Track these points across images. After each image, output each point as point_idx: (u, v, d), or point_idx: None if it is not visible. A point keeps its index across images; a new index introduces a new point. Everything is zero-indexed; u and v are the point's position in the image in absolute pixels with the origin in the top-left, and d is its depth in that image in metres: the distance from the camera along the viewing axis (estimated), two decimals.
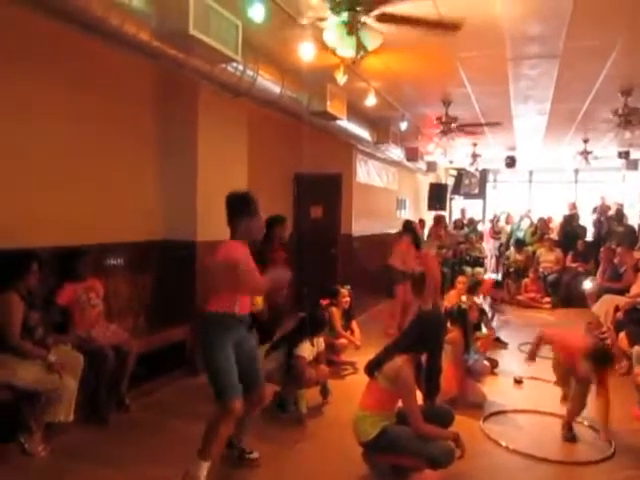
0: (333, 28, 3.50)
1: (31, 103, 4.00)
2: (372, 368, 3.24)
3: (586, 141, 10.27)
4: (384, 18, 3.64)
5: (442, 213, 11.48)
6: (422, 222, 12.48)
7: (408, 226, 7.31)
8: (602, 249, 8.24)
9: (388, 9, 3.54)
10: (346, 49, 3.62)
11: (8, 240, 3.66)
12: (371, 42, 3.54)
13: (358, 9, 3.38)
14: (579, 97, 6.91)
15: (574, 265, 9.62)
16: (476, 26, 4.34)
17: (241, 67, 4.52)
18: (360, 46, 3.56)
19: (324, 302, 5.69)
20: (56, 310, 4.00)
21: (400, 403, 3.17)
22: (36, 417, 3.46)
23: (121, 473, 3.31)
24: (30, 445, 3.44)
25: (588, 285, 8.21)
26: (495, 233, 13.31)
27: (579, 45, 4.84)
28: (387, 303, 7.45)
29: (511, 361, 5.91)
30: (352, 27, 3.42)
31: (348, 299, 5.75)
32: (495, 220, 13.64)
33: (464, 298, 5.34)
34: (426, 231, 11.42)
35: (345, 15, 3.41)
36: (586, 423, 4.16)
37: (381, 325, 7.01)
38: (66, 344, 3.82)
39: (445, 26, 3.86)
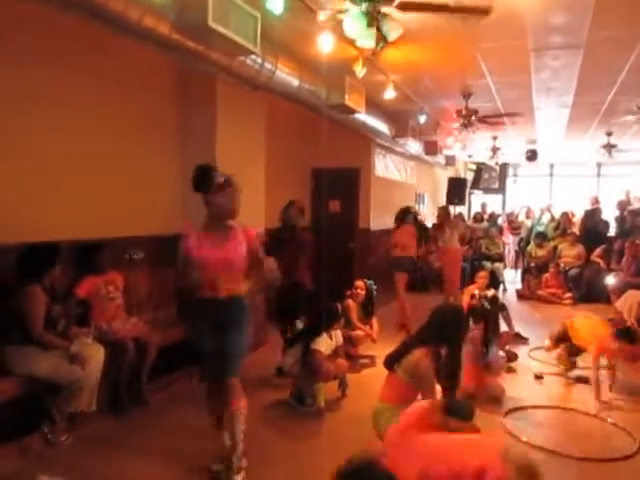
0: (353, 19, 3.46)
1: (50, 97, 4.04)
2: (391, 361, 3.22)
3: (609, 134, 10.08)
4: (406, 6, 3.57)
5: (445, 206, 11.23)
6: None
7: (410, 215, 7.11)
8: (627, 244, 8.07)
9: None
10: (366, 40, 3.58)
11: (30, 233, 3.71)
12: (391, 33, 3.50)
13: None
14: (603, 89, 6.78)
15: (597, 260, 9.39)
16: (498, 16, 4.26)
17: (260, 60, 4.51)
18: (380, 37, 3.52)
19: (348, 293, 5.69)
20: (75, 302, 4.04)
21: (419, 396, 3.14)
22: (59, 407, 3.52)
23: (142, 462, 3.35)
24: (53, 435, 3.50)
25: (611, 280, 8.07)
26: (513, 229, 13.15)
27: (603, 35, 4.74)
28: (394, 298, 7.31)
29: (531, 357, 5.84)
30: (372, 17, 3.38)
31: (360, 292, 5.71)
32: (514, 216, 13.47)
33: (489, 293, 5.25)
34: None
35: (365, 5, 3.38)
36: (610, 420, 4.10)
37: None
38: (87, 336, 3.86)
39: (470, 11, 3.76)
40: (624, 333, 4.43)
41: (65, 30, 3.93)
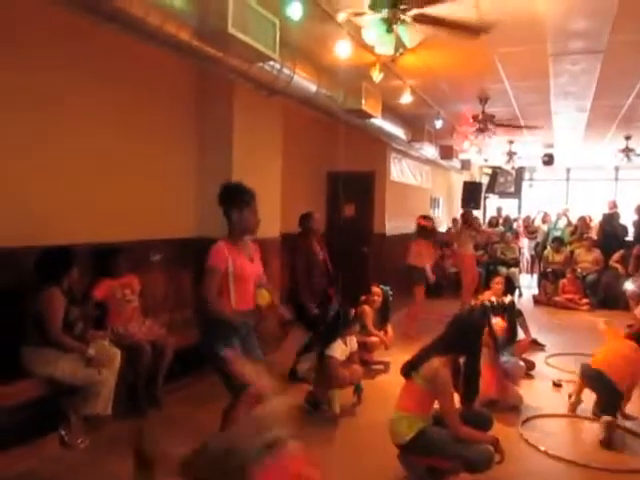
0: (372, 25, 3.46)
1: (70, 102, 4.08)
2: (409, 369, 3.19)
3: (628, 138, 9.96)
4: (421, 19, 3.61)
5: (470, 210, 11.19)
6: (455, 221, 12.32)
7: (419, 230, 7.16)
8: None
9: (428, 10, 3.50)
10: (385, 47, 3.58)
11: (48, 237, 3.75)
12: (411, 39, 3.50)
13: (400, 7, 3.32)
14: (622, 93, 6.70)
15: (616, 265, 9.26)
16: (517, 22, 4.25)
17: (278, 65, 4.52)
18: (399, 43, 3.51)
19: (363, 298, 5.69)
20: (92, 304, 4.08)
21: (437, 404, 3.12)
22: (75, 410, 3.55)
23: None
24: (69, 437, 3.52)
25: (629, 286, 7.95)
26: (529, 233, 13.04)
27: (624, 39, 4.67)
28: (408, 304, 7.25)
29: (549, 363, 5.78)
30: (391, 24, 3.38)
31: (377, 298, 5.69)
32: (531, 220, 13.36)
33: (507, 300, 5.20)
34: None
35: (385, 12, 3.37)
36: (631, 429, 4.04)
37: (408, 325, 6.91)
38: (104, 339, 3.89)
39: (466, 28, 3.88)
40: None
41: (85, 35, 3.97)
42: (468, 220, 8.52)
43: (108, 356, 3.71)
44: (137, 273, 4.49)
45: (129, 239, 4.54)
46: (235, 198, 3.17)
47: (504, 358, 4.71)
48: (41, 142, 3.88)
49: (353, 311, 4.74)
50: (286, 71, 4.68)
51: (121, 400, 3.85)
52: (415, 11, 3.39)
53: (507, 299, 5.21)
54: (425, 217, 7.39)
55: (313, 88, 5.20)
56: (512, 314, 5.10)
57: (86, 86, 4.19)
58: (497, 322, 4.81)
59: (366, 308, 5.58)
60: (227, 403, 3.22)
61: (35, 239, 3.69)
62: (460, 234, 8.52)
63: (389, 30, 3.38)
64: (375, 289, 5.74)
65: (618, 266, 9.16)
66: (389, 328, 5.75)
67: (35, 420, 3.47)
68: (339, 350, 4.31)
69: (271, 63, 4.38)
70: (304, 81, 5.02)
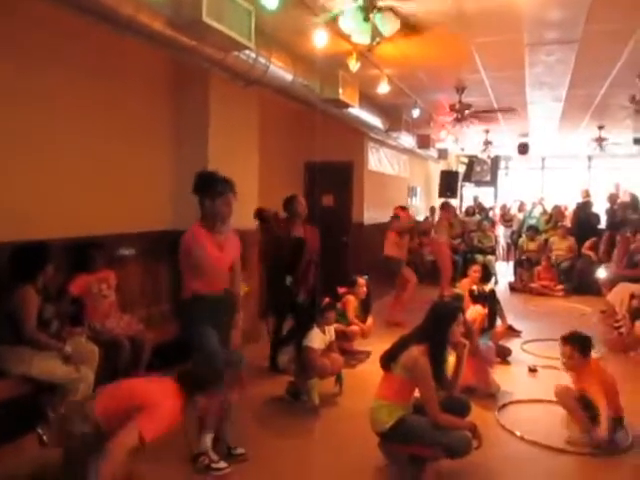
0: (349, 14, 3.43)
1: (42, 95, 3.98)
2: (388, 360, 3.21)
3: (601, 127, 10.12)
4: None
5: (449, 200, 11.31)
6: (433, 209, 12.41)
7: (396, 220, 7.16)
8: (618, 237, 8.10)
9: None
10: (362, 36, 3.55)
11: (22, 232, 3.67)
12: (388, 28, 3.48)
13: None
14: (596, 83, 6.80)
15: (588, 253, 9.44)
16: (494, 12, 4.27)
17: (253, 55, 4.47)
18: (376, 32, 3.49)
19: (342, 290, 5.70)
20: (68, 300, 4.01)
21: (417, 393, 3.15)
22: (53, 408, 3.48)
23: (135, 462, 3.32)
24: (48, 436, 3.46)
25: (602, 273, 8.10)
26: (506, 221, 13.20)
27: (599, 29, 4.73)
28: (391, 293, 7.34)
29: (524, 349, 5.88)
30: (368, 13, 3.36)
31: (365, 289, 5.74)
32: (507, 209, 13.53)
33: (487, 288, 5.27)
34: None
35: (361, 0, 3.34)
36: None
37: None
38: (81, 335, 3.83)
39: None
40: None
41: (53, 24, 3.88)
42: (447, 210, 8.65)
43: (86, 353, 3.66)
44: (113, 267, 4.42)
45: (104, 233, 4.46)
46: (209, 187, 3.21)
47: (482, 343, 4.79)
48: (13, 137, 3.77)
49: (327, 299, 4.74)
50: (262, 60, 4.63)
51: None
52: (391, 2, 3.38)
53: (488, 287, 5.29)
54: (403, 208, 7.44)
55: (289, 77, 5.16)
56: (493, 302, 5.19)
57: (58, 80, 4.08)
58: (478, 309, 4.89)
59: (350, 297, 5.62)
60: None
61: (9, 234, 3.60)
62: (438, 223, 8.63)
63: (366, 19, 3.36)
64: (360, 280, 5.78)
65: (590, 253, 9.33)
66: (370, 319, 5.79)
67: (12, 420, 3.40)
68: (317, 339, 4.32)
69: (247, 52, 4.33)
70: (280, 70, 4.97)
